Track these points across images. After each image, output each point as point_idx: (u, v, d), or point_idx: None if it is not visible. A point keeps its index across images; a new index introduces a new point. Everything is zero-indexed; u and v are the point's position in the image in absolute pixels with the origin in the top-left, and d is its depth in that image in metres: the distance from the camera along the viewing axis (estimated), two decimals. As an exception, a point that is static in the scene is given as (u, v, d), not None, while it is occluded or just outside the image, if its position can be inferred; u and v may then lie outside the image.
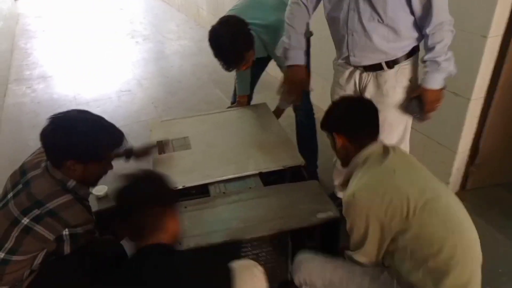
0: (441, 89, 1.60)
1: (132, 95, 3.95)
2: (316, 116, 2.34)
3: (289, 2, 1.78)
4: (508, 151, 2.23)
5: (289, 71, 1.86)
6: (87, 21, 6.83)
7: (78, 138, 1.32)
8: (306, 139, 2.37)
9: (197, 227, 1.48)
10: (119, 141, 1.48)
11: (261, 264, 1.32)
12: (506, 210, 2.18)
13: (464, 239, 1.20)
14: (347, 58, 1.71)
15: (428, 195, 1.21)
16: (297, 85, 1.90)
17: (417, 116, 1.69)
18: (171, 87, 4.08)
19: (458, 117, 2.07)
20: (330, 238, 1.57)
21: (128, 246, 1.55)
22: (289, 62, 1.84)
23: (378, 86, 1.70)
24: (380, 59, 1.65)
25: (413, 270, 1.19)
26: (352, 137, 1.36)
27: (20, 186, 1.35)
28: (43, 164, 1.39)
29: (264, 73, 2.47)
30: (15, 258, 1.27)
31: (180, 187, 1.67)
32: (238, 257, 1.47)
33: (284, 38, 1.82)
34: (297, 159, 1.84)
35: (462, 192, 2.31)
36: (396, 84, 1.68)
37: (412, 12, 1.52)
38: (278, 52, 1.91)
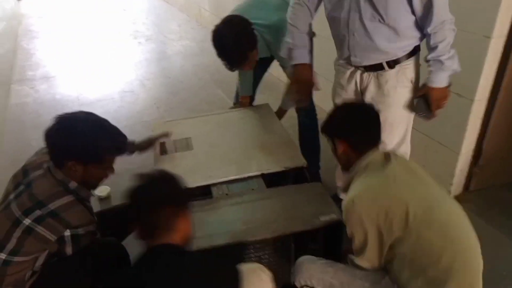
0: (447, 87, 1.60)
1: (135, 95, 3.96)
2: (318, 116, 2.33)
3: (290, 3, 1.77)
4: (512, 152, 2.22)
5: (294, 70, 1.85)
6: (90, 21, 6.85)
7: (78, 138, 1.32)
8: (308, 140, 2.36)
9: (199, 229, 1.47)
10: (120, 144, 1.47)
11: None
12: (510, 211, 2.17)
13: (464, 248, 1.18)
14: (348, 58, 1.71)
15: (428, 203, 1.20)
16: (304, 84, 1.89)
17: (424, 115, 1.68)
18: (173, 87, 4.09)
19: (461, 118, 2.06)
20: (333, 240, 1.56)
21: (130, 247, 1.56)
22: (294, 61, 1.83)
23: (379, 86, 1.69)
24: (381, 59, 1.64)
25: (412, 279, 1.18)
26: (353, 143, 1.34)
27: (22, 186, 1.34)
28: (45, 165, 1.38)
29: (266, 74, 2.46)
30: (16, 259, 1.27)
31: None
32: (242, 259, 1.47)
33: (287, 39, 1.81)
34: (299, 161, 1.83)
35: (466, 193, 2.30)
36: (397, 84, 1.67)
37: (413, 12, 1.52)
38: (282, 53, 1.90)
